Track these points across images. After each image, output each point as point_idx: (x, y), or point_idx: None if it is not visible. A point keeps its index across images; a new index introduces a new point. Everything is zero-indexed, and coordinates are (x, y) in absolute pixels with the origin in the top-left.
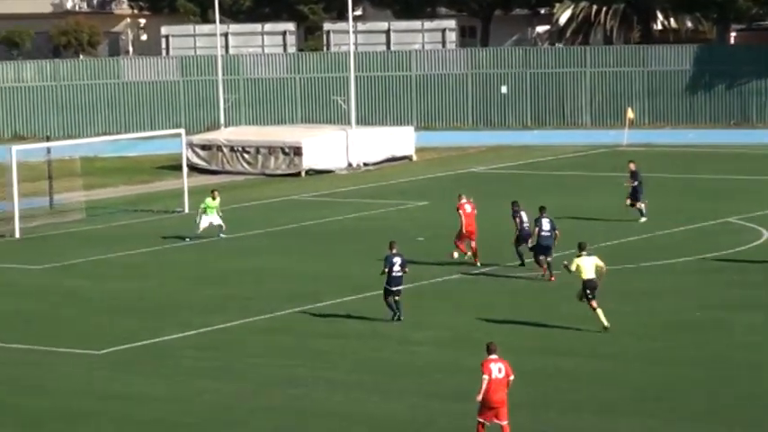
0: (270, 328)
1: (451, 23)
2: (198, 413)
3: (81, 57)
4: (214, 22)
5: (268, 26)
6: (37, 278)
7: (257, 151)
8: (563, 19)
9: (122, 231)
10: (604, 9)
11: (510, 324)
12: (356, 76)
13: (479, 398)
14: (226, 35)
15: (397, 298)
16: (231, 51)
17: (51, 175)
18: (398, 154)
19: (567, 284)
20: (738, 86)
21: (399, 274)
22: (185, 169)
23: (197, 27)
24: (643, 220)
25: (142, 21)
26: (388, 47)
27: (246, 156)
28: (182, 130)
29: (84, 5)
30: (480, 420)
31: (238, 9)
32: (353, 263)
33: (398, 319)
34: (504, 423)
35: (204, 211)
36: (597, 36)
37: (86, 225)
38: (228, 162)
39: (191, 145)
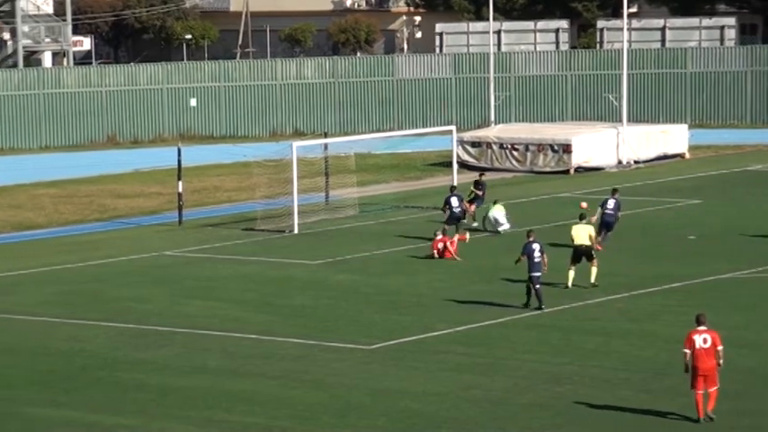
0: (536, 325)
1: (731, 21)
2: (465, 408)
3: (358, 54)
4: (488, 19)
5: (541, 24)
6: (313, 273)
7: (526, 149)
8: None
9: (393, 227)
10: None
11: None
12: (629, 74)
13: (685, 371)
14: (498, 33)
15: (537, 286)
16: (503, 49)
17: (328, 172)
18: (671, 152)
19: None
20: None
21: (539, 260)
22: (455, 166)
23: (470, 25)
24: (475, 224)
25: (417, 18)
26: (663, 44)
27: (515, 153)
28: (453, 127)
29: (363, 3)
30: (695, 390)
31: (512, 7)
32: (622, 261)
33: (539, 308)
34: (712, 390)
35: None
36: None
37: (359, 221)
38: (498, 159)
39: (461, 142)
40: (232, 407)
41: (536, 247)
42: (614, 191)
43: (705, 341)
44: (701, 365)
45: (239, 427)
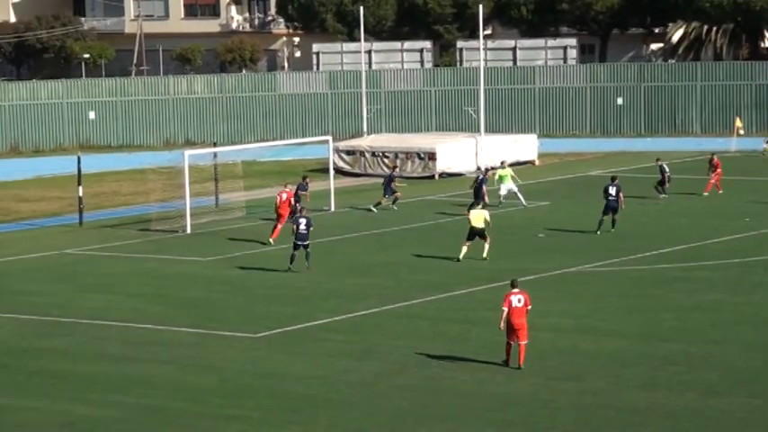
0: (407, 315)
1: (572, 42)
2: (342, 390)
3: (243, 71)
4: (359, 40)
5: (407, 44)
6: (205, 269)
7: (396, 156)
8: (676, 37)
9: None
10: (715, 28)
11: (622, 312)
12: (485, 89)
13: (501, 325)
14: (369, 52)
15: (296, 253)
16: (374, 67)
17: (217, 177)
18: (523, 159)
19: (673, 278)
20: None
21: (305, 232)
22: (332, 172)
23: (344, 45)
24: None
25: (296, 39)
26: (515, 62)
27: (386, 160)
28: (329, 137)
29: (248, 26)
30: (508, 341)
31: (381, 29)
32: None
33: (291, 269)
34: (523, 343)
35: (501, 180)
36: (708, 53)
37: (246, 222)
38: (370, 166)
39: (337, 150)
40: (130, 389)
41: (303, 221)
42: (613, 178)
43: (519, 300)
44: (515, 320)
45: (137, 407)
